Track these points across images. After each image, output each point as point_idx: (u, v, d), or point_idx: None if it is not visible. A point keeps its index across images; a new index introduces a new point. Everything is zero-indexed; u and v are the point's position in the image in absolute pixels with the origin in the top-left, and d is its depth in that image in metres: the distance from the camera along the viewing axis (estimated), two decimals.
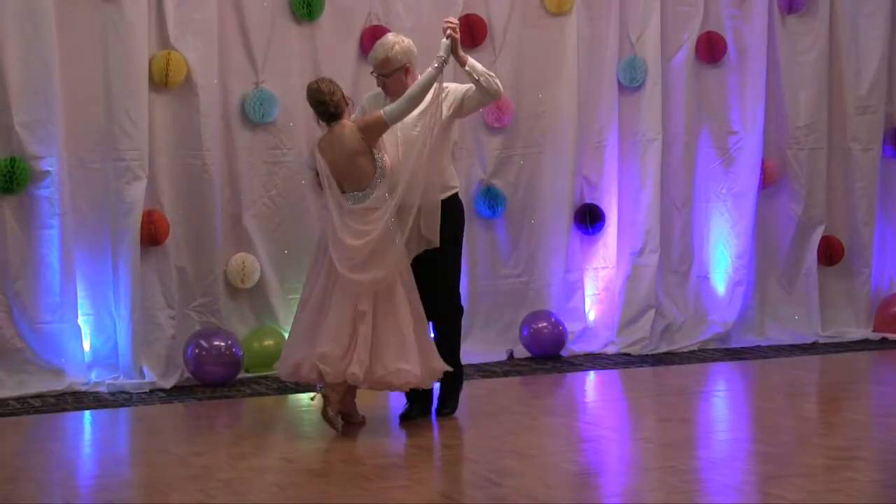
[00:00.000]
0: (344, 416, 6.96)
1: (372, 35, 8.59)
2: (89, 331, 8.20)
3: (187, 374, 8.28)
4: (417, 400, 7.22)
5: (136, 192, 8.13)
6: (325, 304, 6.92)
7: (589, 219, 9.45)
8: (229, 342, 8.27)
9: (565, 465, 6.38)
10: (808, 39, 9.94)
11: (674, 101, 9.63)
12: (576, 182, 9.41)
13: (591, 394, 8.65)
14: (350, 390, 6.98)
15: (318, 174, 7.02)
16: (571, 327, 9.34)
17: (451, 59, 7.04)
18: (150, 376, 8.16)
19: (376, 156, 6.89)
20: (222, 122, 8.46)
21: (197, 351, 8.19)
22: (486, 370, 8.80)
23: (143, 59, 8.13)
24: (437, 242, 7.02)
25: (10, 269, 7.95)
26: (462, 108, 7.15)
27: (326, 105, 6.93)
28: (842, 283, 10.25)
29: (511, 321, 9.31)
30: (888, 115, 10.23)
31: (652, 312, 9.53)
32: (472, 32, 8.98)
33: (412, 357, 6.85)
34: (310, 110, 7.10)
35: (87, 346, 8.17)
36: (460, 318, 7.39)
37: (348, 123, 6.96)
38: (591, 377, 8.82)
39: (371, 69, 7.19)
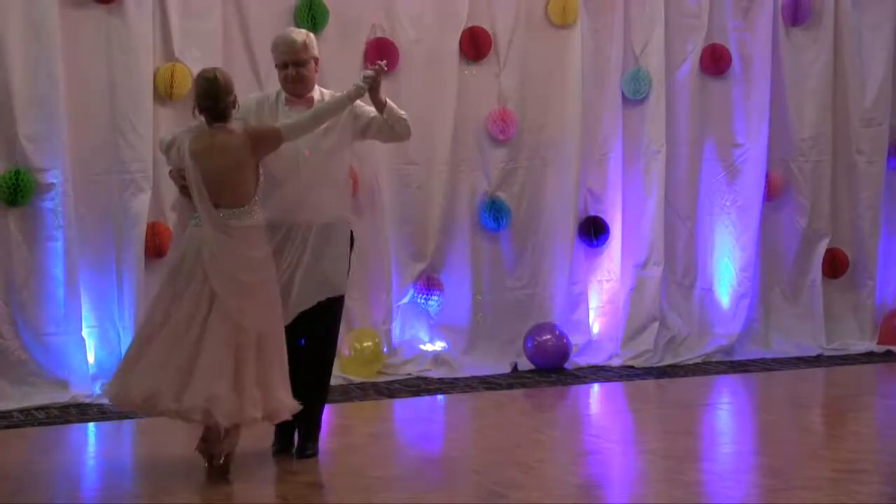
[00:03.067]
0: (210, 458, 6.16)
1: (376, 46, 8.60)
2: (93, 343, 8.18)
3: None
4: (283, 433, 6.60)
5: (141, 204, 8.14)
6: (195, 329, 5.97)
7: (593, 231, 9.44)
8: None
9: (569, 477, 6.37)
10: (813, 51, 9.95)
11: (678, 114, 9.63)
12: (580, 194, 9.41)
13: (595, 406, 8.64)
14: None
15: (183, 178, 6.10)
16: (575, 340, 9.33)
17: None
18: None
19: (261, 171, 6.12)
20: None
21: None
22: (490, 383, 8.79)
23: (147, 71, 8.14)
24: (343, 289, 6.37)
25: (15, 281, 7.95)
26: (366, 134, 6.47)
27: (218, 103, 6.03)
28: (846, 296, 10.24)
29: (515, 333, 9.29)
30: (893, 128, 10.23)
31: (656, 325, 9.51)
32: (476, 45, 8.99)
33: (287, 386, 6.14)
34: None
35: (91, 357, 8.15)
36: (328, 381, 6.64)
37: (237, 131, 6.10)
38: (596, 390, 8.80)
39: (277, 59, 6.37)
